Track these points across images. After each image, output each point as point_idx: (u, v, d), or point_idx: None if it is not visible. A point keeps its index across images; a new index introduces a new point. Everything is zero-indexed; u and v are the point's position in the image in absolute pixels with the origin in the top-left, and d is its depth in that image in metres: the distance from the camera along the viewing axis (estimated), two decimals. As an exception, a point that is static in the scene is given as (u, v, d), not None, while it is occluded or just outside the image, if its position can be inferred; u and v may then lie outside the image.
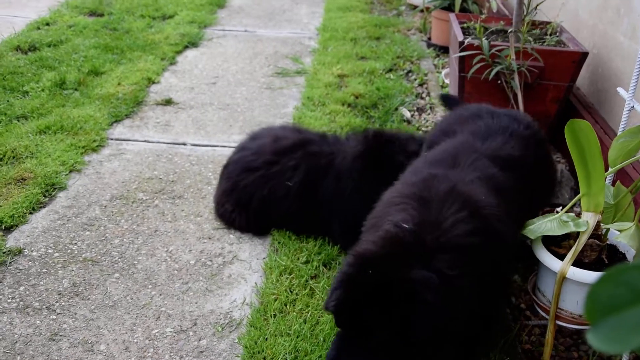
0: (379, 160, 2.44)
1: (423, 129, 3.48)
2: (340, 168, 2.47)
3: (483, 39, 2.89)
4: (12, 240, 2.44)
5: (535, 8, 2.96)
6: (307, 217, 2.50)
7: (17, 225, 2.53)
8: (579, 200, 2.43)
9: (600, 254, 1.88)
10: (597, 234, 1.86)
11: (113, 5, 5.53)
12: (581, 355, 2.03)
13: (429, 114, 3.69)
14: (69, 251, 2.41)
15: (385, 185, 1.94)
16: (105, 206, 2.69)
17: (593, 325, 0.50)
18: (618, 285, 0.48)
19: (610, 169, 1.83)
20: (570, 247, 1.90)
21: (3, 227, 2.51)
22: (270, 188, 2.50)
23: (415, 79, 4.18)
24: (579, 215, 2.47)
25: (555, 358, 2.01)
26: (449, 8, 4.53)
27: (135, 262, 2.36)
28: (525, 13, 2.84)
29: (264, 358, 1.93)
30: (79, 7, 5.38)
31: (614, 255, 1.93)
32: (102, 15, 5.25)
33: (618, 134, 1.81)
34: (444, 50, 4.67)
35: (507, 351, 1.98)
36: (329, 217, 2.47)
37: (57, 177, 2.83)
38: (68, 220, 2.59)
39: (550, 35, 3.21)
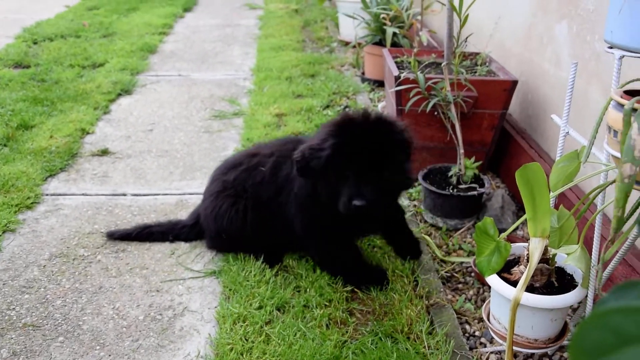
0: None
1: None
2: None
3: (418, 72, 2.95)
4: (-56, 311, 2.29)
5: (465, 40, 3.05)
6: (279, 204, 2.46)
7: (-52, 294, 2.38)
8: (522, 224, 2.47)
9: (549, 277, 1.92)
10: (546, 258, 1.90)
11: (39, 56, 5.39)
12: (539, 378, 2.05)
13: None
14: (6, 318, 2.27)
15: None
16: (44, 266, 2.57)
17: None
18: (602, 330, 0.48)
19: (551, 193, 1.88)
20: (521, 273, 1.94)
21: None
22: (253, 177, 2.51)
23: (353, 114, 4.22)
24: (524, 239, 2.53)
25: (516, 384, 2.03)
26: (380, 43, 4.64)
27: (80, 322, 2.25)
28: (455, 45, 2.92)
29: (224, 413, 1.86)
30: (3, 59, 5.22)
31: (563, 277, 1.97)
32: (28, 67, 5.11)
33: (556, 160, 1.87)
34: (378, 84, 4.75)
35: (468, 382, 1.98)
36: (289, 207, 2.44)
37: (-11, 239, 2.69)
38: (4, 284, 2.45)
39: (481, 65, 3.32)
